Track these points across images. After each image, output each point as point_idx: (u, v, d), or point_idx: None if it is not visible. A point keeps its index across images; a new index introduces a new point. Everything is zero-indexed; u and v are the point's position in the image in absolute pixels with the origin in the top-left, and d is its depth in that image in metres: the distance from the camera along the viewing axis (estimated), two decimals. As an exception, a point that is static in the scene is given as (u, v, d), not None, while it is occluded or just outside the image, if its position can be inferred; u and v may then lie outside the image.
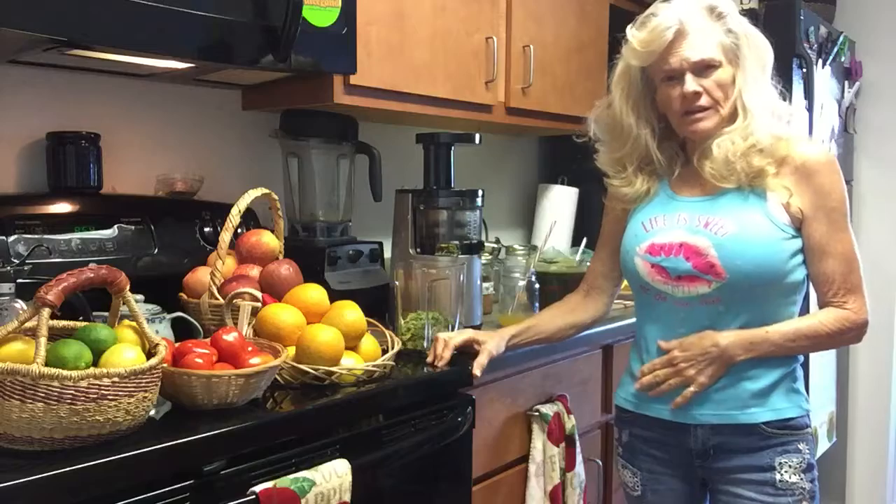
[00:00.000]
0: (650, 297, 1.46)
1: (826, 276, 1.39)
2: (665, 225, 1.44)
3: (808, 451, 1.40)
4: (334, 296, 1.49)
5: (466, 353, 1.54)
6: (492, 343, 1.54)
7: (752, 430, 1.39)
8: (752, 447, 1.39)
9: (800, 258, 1.40)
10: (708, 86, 1.38)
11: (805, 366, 1.44)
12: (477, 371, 1.50)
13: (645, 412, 1.48)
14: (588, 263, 2.10)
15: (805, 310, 1.47)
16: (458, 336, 1.55)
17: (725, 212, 1.39)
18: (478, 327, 1.86)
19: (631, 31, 1.42)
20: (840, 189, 1.39)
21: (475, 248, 1.89)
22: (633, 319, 1.57)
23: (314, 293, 1.45)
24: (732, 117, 1.40)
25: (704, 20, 1.39)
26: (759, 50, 1.41)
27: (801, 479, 1.38)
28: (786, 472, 1.38)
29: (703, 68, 1.38)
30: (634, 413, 1.50)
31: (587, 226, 2.63)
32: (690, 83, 1.38)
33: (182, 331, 1.46)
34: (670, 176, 1.49)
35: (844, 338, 1.42)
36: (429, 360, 1.52)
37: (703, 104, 1.39)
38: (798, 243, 1.39)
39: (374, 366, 1.38)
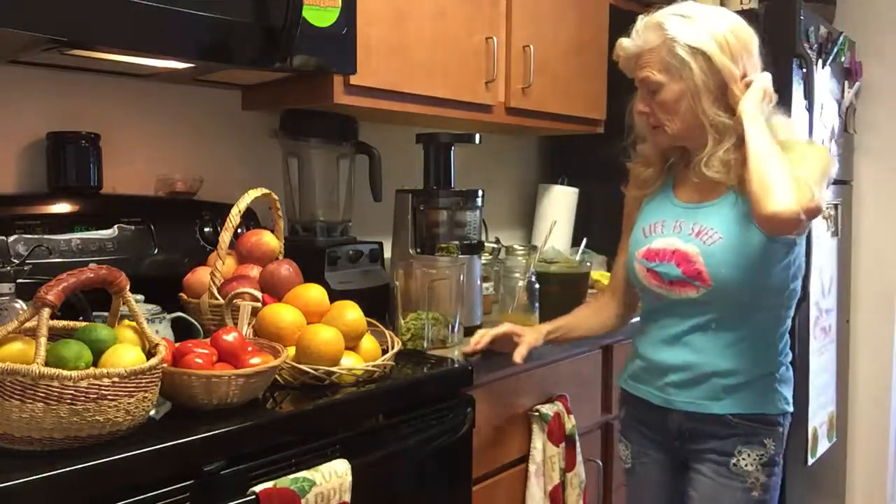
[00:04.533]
0: (650, 297, 1.53)
1: None
2: (662, 231, 1.49)
3: (773, 448, 1.44)
4: (334, 296, 1.49)
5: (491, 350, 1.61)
6: (531, 336, 1.62)
7: (720, 419, 1.45)
8: (719, 434, 1.45)
9: (791, 267, 1.43)
10: (654, 106, 1.45)
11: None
12: (517, 359, 1.57)
13: (636, 393, 1.56)
14: (589, 263, 2.12)
15: (797, 322, 1.48)
16: (497, 329, 1.63)
17: (717, 220, 1.43)
18: (478, 327, 1.86)
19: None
20: (814, 155, 1.39)
21: (475, 248, 1.89)
22: (633, 319, 1.66)
23: (314, 293, 1.45)
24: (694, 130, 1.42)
25: (653, 38, 1.42)
26: (720, 63, 1.38)
27: (758, 470, 1.43)
28: (743, 459, 1.43)
29: (649, 88, 1.44)
30: (629, 393, 1.59)
31: (587, 226, 2.63)
32: (638, 103, 1.48)
33: (182, 331, 1.46)
34: (680, 172, 1.54)
35: (785, 195, 1.26)
36: (467, 350, 1.62)
37: (651, 123, 1.48)
38: (787, 254, 1.41)
39: (374, 366, 1.38)
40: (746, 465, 1.43)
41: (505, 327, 1.64)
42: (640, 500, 1.61)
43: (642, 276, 1.50)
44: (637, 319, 1.64)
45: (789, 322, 1.49)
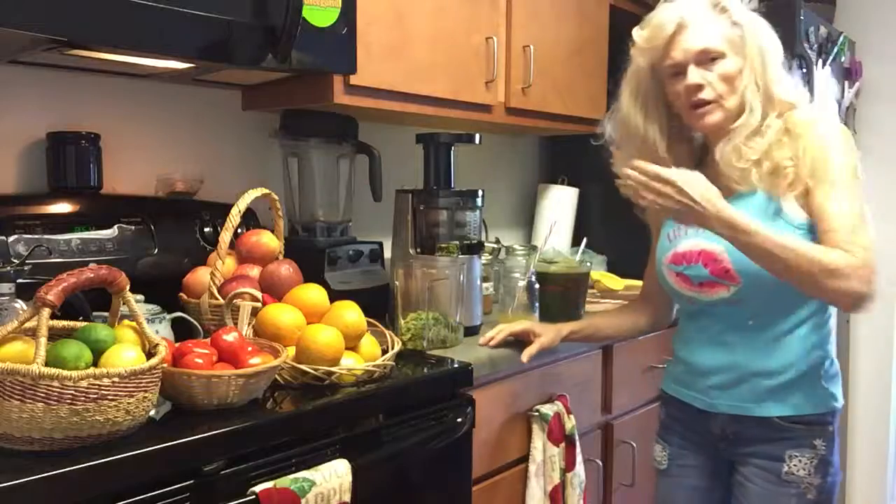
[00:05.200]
0: (684, 302, 1.52)
1: (827, 237, 1.31)
2: (686, 234, 1.47)
3: (824, 448, 1.40)
4: (334, 296, 1.49)
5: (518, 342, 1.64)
6: (546, 337, 1.63)
7: (766, 422, 1.42)
8: (766, 437, 1.42)
9: None
10: (711, 78, 1.38)
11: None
12: (524, 358, 1.61)
13: (678, 396, 1.56)
14: (589, 263, 2.12)
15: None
16: (517, 325, 1.66)
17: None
18: (478, 327, 1.86)
19: (636, 31, 1.45)
20: (826, 149, 1.33)
21: (475, 248, 1.89)
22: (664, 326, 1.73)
23: (314, 293, 1.44)
24: (741, 112, 1.39)
25: (707, 13, 1.39)
26: (768, 41, 1.39)
27: (811, 474, 1.39)
28: (794, 465, 1.40)
29: (707, 59, 1.38)
30: (672, 396, 1.58)
31: (587, 226, 2.64)
32: (693, 74, 1.38)
33: (182, 331, 1.46)
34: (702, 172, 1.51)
35: (835, 283, 1.25)
36: (481, 341, 1.66)
37: (705, 97, 1.39)
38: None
39: (374, 366, 1.38)
40: (798, 471, 1.39)
41: (523, 325, 1.66)
42: (673, 502, 1.60)
43: (672, 281, 1.49)
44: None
45: (830, 315, 1.44)
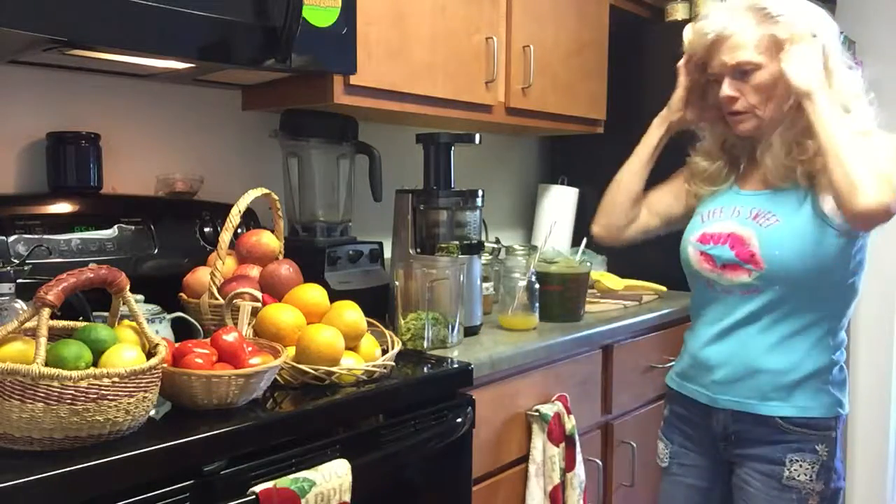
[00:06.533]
0: (702, 286, 1.52)
1: None
2: (721, 216, 1.48)
3: (826, 453, 1.39)
4: (334, 296, 1.49)
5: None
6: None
7: (768, 422, 1.41)
8: (767, 439, 1.41)
9: (852, 261, 1.39)
10: (744, 90, 1.41)
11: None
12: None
13: (682, 391, 1.56)
14: (589, 263, 2.12)
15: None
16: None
17: (777, 205, 1.41)
18: (478, 328, 1.86)
19: (685, 31, 1.50)
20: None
21: (475, 248, 1.89)
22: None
23: (314, 293, 1.44)
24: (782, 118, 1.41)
25: (749, 21, 1.39)
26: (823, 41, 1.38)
27: (812, 479, 1.38)
28: (795, 470, 1.39)
29: (741, 72, 1.40)
30: (676, 391, 1.58)
31: (587, 226, 2.63)
32: (725, 87, 1.43)
33: (182, 331, 1.46)
34: (741, 167, 1.53)
35: (865, 183, 1.25)
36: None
37: (737, 109, 1.43)
38: (848, 244, 1.37)
39: (374, 366, 1.38)
40: (800, 476, 1.38)
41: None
42: (672, 500, 1.60)
43: (695, 261, 1.49)
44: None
45: (846, 321, 1.45)
